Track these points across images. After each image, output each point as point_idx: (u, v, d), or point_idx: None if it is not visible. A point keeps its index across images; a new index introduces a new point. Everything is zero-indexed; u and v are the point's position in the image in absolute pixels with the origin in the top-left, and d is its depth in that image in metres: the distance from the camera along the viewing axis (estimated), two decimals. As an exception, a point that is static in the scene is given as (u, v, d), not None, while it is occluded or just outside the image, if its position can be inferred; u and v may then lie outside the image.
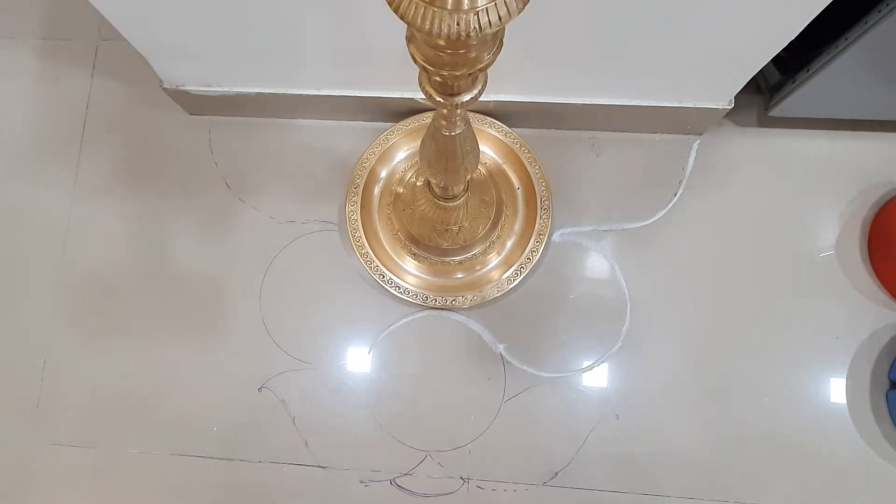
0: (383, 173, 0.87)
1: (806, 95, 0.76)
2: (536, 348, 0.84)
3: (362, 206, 0.85)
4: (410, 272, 0.85)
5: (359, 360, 0.85)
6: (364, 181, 0.86)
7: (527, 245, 0.83)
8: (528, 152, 0.85)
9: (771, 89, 0.83)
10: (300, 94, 0.83)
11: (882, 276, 0.83)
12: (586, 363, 0.84)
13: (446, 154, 0.56)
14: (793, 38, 0.63)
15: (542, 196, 0.84)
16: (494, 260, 0.85)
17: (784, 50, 0.66)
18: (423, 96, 0.45)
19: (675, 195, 0.87)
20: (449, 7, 0.30)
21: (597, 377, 0.83)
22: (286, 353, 0.85)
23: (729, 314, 0.84)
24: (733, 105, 0.79)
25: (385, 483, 0.82)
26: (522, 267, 0.83)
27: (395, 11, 0.31)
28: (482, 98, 0.46)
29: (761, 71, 0.71)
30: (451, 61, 0.37)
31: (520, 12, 0.31)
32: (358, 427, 0.83)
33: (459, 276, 0.85)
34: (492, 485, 0.82)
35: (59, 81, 0.96)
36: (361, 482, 0.83)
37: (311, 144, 0.91)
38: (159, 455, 0.85)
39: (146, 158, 0.93)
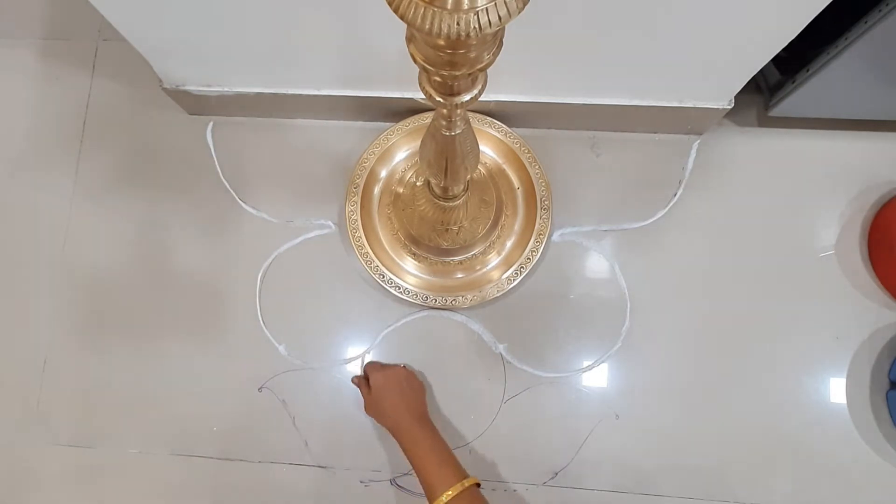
0: (383, 173, 0.87)
1: (806, 95, 0.76)
2: (536, 348, 0.84)
3: (362, 206, 0.85)
4: (410, 272, 0.85)
5: (359, 361, 0.85)
6: (364, 181, 0.86)
7: (527, 245, 0.83)
8: (528, 152, 0.85)
9: (771, 89, 0.83)
10: (300, 94, 0.83)
11: (882, 276, 0.83)
12: (586, 363, 0.84)
13: (446, 154, 0.56)
14: (793, 38, 0.64)
15: (542, 196, 0.84)
16: (494, 260, 0.85)
17: (784, 50, 0.66)
18: (423, 96, 0.45)
19: (675, 195, 0.87)
20: (449, 7, 0.30)
21: (597, 377, 0.83)
22: (286, 353, 0.85)
23: (729, 314, 0.84)
24: (733, 105, 0.79)
25: (385, 483, 0.82)
26: (522, 267, 0.83)
27: (395, 11, 0.31)
28: (482, 98, 0.46)
29: (761, 71, 0.71)
30: (451, 61, 0.37)
31: (520, 12, 0.31)
32: (358, 427, 0.83)
33: (459, 276, 0.85)
34: (492, 485, 0.82)
35: (59, 81, 0.96)
36: (361, 482, 0.83)
37: (311, 144, 0.91)
38: (159, 455, 0.85)
39: (146, 158, 0.93)
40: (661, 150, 0.88)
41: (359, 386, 0.82)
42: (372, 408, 0.78)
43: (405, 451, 0.71)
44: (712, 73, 0.73)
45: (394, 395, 0.76)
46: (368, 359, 0.85)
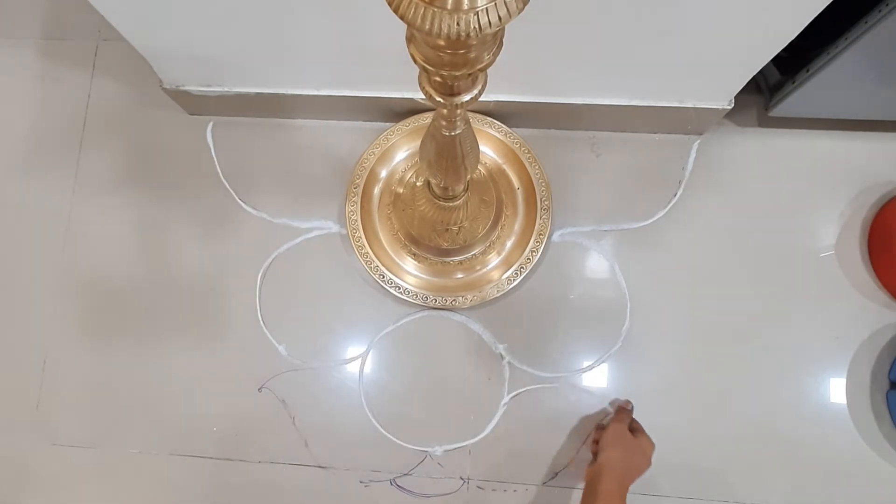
0: (383, 173, 0.87)
1: (806, 95, 0.76)
2: (536, 348, 0.84)
3: (362, 207, 0.85)
4: (410, 272, 0.85)
5: (359, 361, 0.85)
6: (364, 181, 0.86)
7: (527, 245, 0.83)
8: (528, 152, 0.85)
9: (771, 89, 0.83)
10: (300, 94, 0.83)
11: (882, 276, 0.83)
12: (586, 363, 0.84)
13: (446, 154, 0.56)
14: (793, 38, 0.64)
15: (542, 196, 0.84)
16: (494, 260, 0.85)
17: (784, 50, 0.66)
18: (423, 96, 0.45)
19: (675, 195, 0.87)
20: (449, 7, 0.30)
21: (597, 377, 0.83)
22: (286, 353, 0.85)
23: (729, 314, 0.84)
24: (733, 105, 0.79)
25: (385, 483, 0.82)
26: (522, 267, 0.83)
27: (395, 11, 0.31)
28: (482, 98, 0.46)
29: (761, 71, 0.71)
30: (451, 61, 0.37)
31: (520, 12, 0.31)
32: (358, 427, 0.83)
33: (459, 276, 0.85)
34: (492, 485, 0.82)
35: (59, 81, 0.96)
36: (361, 482, 0.83)
37: (311, 144, 0.91)
38: (159, 455, 0.85)
39: (146, 158, 0.93)
40: (661, 150, 0.88)
41: (623, 412, 0.78)
42: (621, 442, 0.72)
43: (599, 500, 0.66)
44: (712, 74, 0.73)
45: (640, 464, 0.72)
46: (369, 358, 0.85)
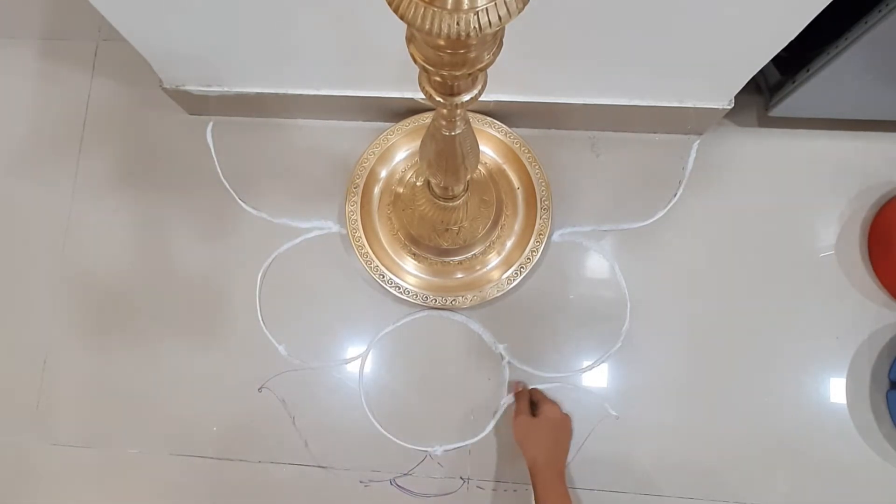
0: (383, 173, 0.87)
1: (806, 95, 0.76)
2: (536, 348, 0.84)
3: (362, 206, 0.85)
4: (410, 272, 0.85)
5: (359, 361, 0.85)
6: (364, 181, 0.86)
7: (527, 245, 0.83)
8: (528, 152, 0.85)
9: (771, 89, 0.83)
10: (300, 94, 0.83)
11: (882, 276, 0.83)
12: (586, 363, 0.84)
13: (446, 154, 0.56)
14: (793, 38, 0.64)
15: (542, 196, 0.84)
16: (494, 260, 0.85)
17: (784, 50, 0.66)
18: (423, 96, 0.45)
19: (675, 195, 0.87)
20: (449, 7, 0.30)
21: (597, 377, 0.83)
22: (286, 353, 0.85)
23: (729, 314, 0.84)
24: (733, 105, 0.79)
25: (385, 483, 0.82)
26: (522, 267, 0.83)
27: (395, 11, 0.31)
28: (482, 98, 0.46)
29: (761, 71, 0.71)
30: (451, 61, 0.37)
31: (520, 12, 0.31)
32: (358, 427, 0.83)
33: (459, 276, 0.85)
34: (492, 485, 0.82)
35: (59, 81, 0.96)
36: (361, 482, 0.83)
37: (311, 144, 0.91)
38: (159, 455, 0.85)
39: (146, 158, 0.93)
40: (661, 150, 0.88)
41: (519, 397, 0.80)
42: (528, 432, 0.75)
43: (540, 495, 0.70)
44: (713, 73, 0.73)
45: (559, 438, 0.75)
46: (369, 358, 0.85)
